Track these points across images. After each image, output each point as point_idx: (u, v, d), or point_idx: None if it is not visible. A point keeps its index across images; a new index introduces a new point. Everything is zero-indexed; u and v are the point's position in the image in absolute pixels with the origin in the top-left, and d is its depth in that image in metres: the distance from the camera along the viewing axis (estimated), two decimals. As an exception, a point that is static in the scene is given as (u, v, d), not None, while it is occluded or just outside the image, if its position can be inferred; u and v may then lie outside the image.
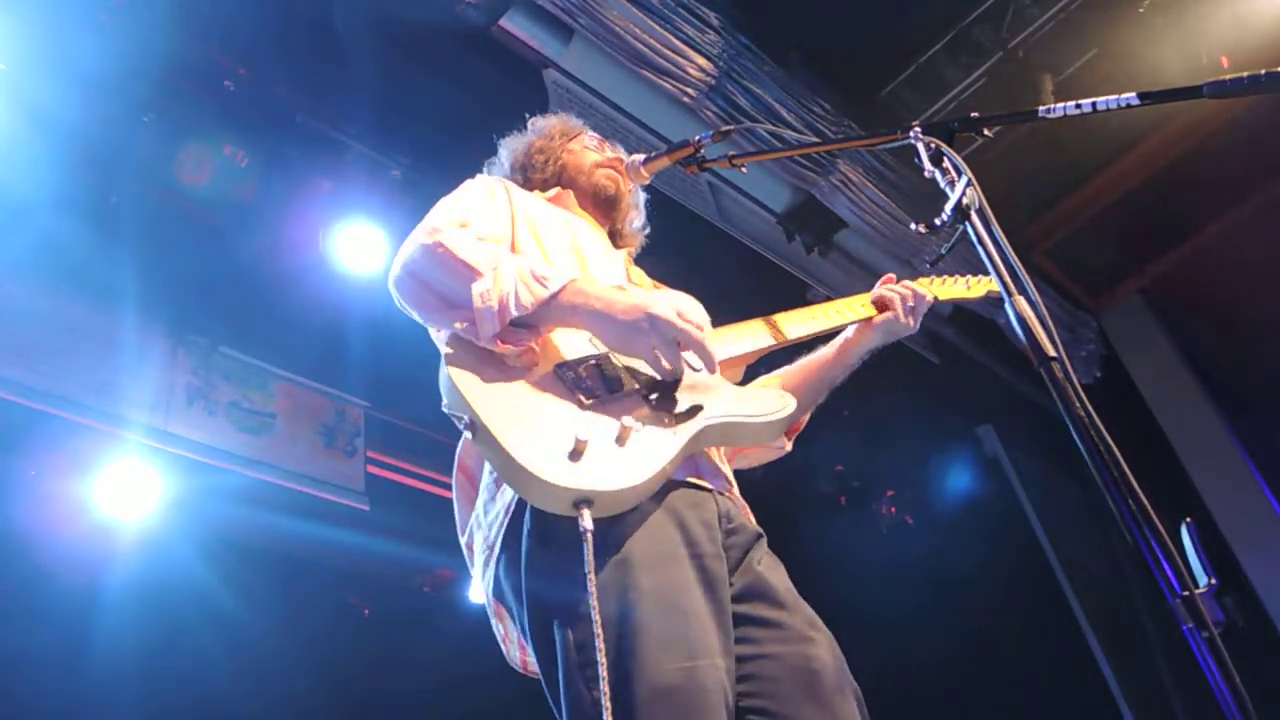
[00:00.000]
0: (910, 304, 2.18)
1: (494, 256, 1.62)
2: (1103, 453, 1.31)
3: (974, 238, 1.57)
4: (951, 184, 1.63)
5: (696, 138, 2.14)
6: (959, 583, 6.82)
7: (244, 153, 4.05)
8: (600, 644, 1.36)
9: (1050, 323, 1.45)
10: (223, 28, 3.84)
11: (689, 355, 1.64)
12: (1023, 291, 1.48)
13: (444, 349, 1.60)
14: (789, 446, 2.16)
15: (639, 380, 1.65)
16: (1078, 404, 1.35)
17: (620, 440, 1.51)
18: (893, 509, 7.43)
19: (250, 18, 3.79)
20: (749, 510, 1.86)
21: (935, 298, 2.30)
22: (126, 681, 3.96)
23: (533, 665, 1.67)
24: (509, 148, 2.34)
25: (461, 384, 1.52)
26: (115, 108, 3.81)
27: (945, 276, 2.45)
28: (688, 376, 1.68)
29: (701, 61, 4.39)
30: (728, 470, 1.85)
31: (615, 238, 2.28)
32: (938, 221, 1.61)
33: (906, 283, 2.24)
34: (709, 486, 1.71)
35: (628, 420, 1.53)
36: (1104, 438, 1.32)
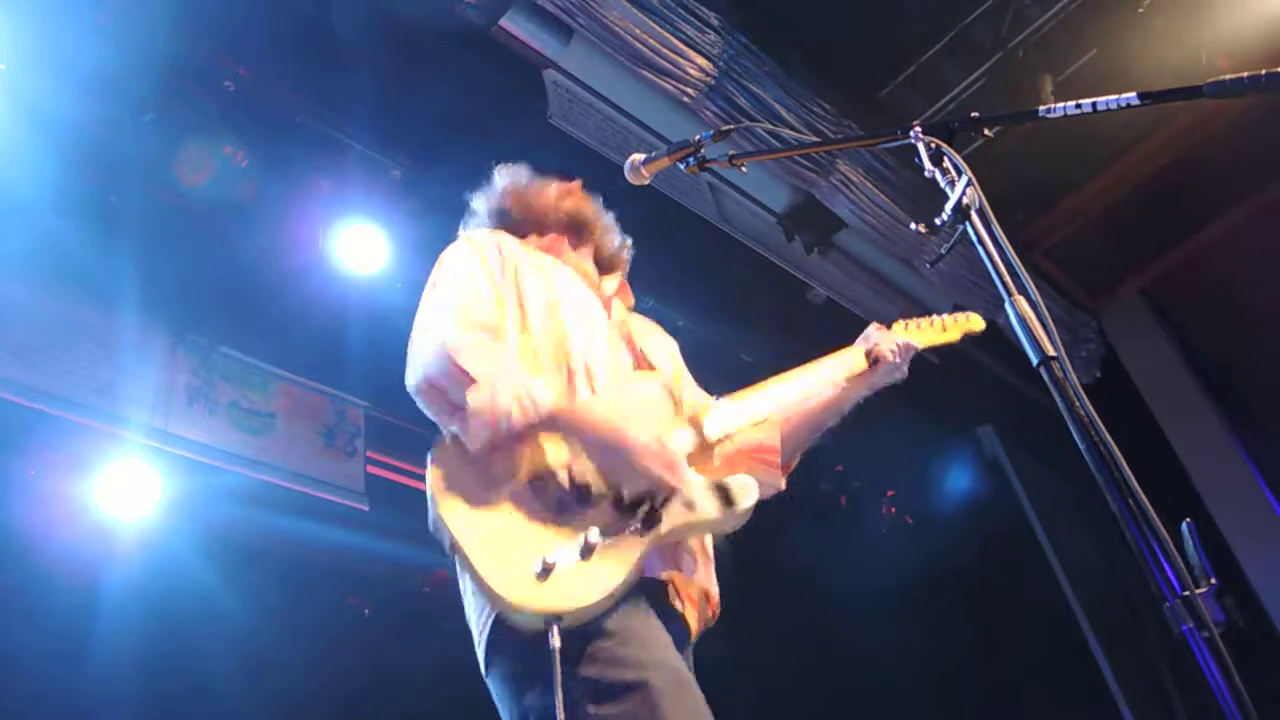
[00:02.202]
0: (903, 356, 2.32)
1: (494, 368, 1.72)
2: (1103, 453, 1.31)
3: (974, 237, 1.57)
4: (952, 184, 1.63)
5: (696, 138, 2.13)
6: (959, 583, 6.82)
7: (244, 153, 4.04)
8: None
9: (1050, 322, 1.45)
10: (223, 28, 3.84)
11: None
12: (1023, 291, 1.48)
13: (430, 466, 1.73)
14: (783, 485, 2.24)
15: (607, 492, 1.74)
16: (1078, 404, 1.35)
17: (586, 554, 1.62)
18: (893, 509, 7.43)
19: (250, 18, 3.79)
20: (712, 590, 1.94)
21: (918, 346, 2.40)
22: (126, 681, 3.96)
23: None
24: (484, 199, 2.42)
25: (443, 508, 1.67)
26: (115, 108, 3.81)
27: (919, 320, 2.53)
28: (643, 493, 1.78)
29: (701, 61, 4.39)
30: (701, 553, 1.94)
31: (601, 265, 2.37)
32: (938, 221, 1.61)
33: (893, 335, 2.34)
34: (664, 581, 1.82)
35: (594, 534, 1.64)
36: (1104, 438, 1.32)
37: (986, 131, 1.78)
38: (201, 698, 4.24)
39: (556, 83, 4.44)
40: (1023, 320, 1.46)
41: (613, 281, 2.34)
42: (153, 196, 4.10)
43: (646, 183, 2.28)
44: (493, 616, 1.73)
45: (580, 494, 1.71)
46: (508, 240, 2.12)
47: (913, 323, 2.49)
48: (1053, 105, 1.67)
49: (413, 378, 1.79)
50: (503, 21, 4.13)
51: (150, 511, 4.27)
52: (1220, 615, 1.22)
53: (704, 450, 1.94)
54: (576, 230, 2.32)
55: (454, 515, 1.65)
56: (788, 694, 6.19)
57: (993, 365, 6.76)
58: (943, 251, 1.74)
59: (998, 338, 6.08)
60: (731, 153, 2.13)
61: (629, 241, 2.45)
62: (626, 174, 2.25)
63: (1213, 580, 1.24)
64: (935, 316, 2.57)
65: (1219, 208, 6.53)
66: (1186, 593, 1.23)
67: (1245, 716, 1.17)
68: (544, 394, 1.72)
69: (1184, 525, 1.30)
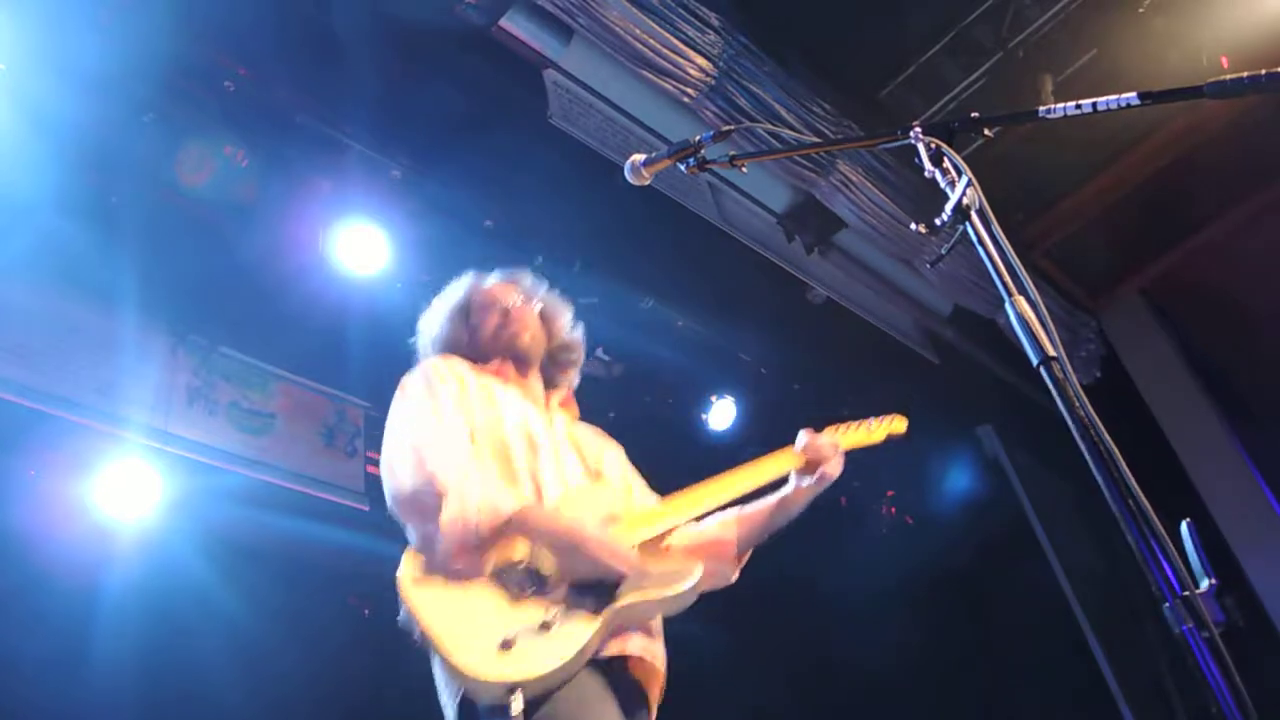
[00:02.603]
0: (837, 456, 2.41)
1: (459, 482, 1.95)
2: (1103, 453, 1.31)
3: (974, 238, 1.57)
4: (952, 184, 1.63)
5: (697, 138, 2.13)
6: (959, 583, 6.82)
7: (244, 153, 4.04)
8: None
9: (1050, 322, 1.45)
10: (223, 28, 3.84)
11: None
12: (1023, 291, 1.48)
13: (402, 569, 1.94)
14: (734, 578, 2.39)
15: (562, 578, 1.95)
16: (1078, 404, 1.35)
17: (544, 629, 1.84)
18: (893, 509, 7.43)
19: (250, 18, 3.79)
20: (660, 667, 2.09)
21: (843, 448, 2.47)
22: (126, 682, 3.96)
23: None
24: (432, 326, 2.64)
25: (413, 601, 1.88)
26: (115, 108, 3.81)
27: (847, 424, 2.62)
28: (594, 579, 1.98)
29: (701, 62, 4.39)
30: (646, 633, 2.08)
31: (547, 382, 2.55)
32: (938, 221, 1.61)
33: (823, 439, 2.42)
34: (614, 657, 1.98)
35: (551, 613, 1.87)
36: (1104, 438, 1.32)
37: (986, 132, 1.78)
38: (201, 698, 4.24)
39: (556, 83, 4.44)
40: (1023, 320, 1.46)
41: (559, 395, 2.54)
42: (153, 197, 4.10)
43: (647, 183, 2.28)
44: (459, 696, 1.90)
45: (539, 581, 1.93)
46: (458, 367, 2.34)
47: (842, 427, 2.60)
48: (1053, 105, 1.67)
49: (392, 496, 2.03)
50: (503, 21, 4.13)
51: (150, 511, 4.26)
52: (1220, 615, 1.22)
53: (655, 543, 2.16)
54: (517, 360, 2.48)
55: (422, 607, 1.87)
56: (788, 694, 6.19)
57: (993, 365, 6.77)
58: (943, 252, 1.73)
59: (998, 338, 6.13)
60: (732, 153, 2.12)
61: (578, 343, 2.63)
62: (627, 174, 2.25)
63: (1213, 580, 1.24)
64: (862, 421, 2.69)
65: (1219, 208, 6.53)
66: (1186, 593, 1.23)
67: (1245, 716, 1.17)
68: (506, 502, 1.96)
69: (1184, 525, 1.30)
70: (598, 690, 1.90)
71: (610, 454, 2.48)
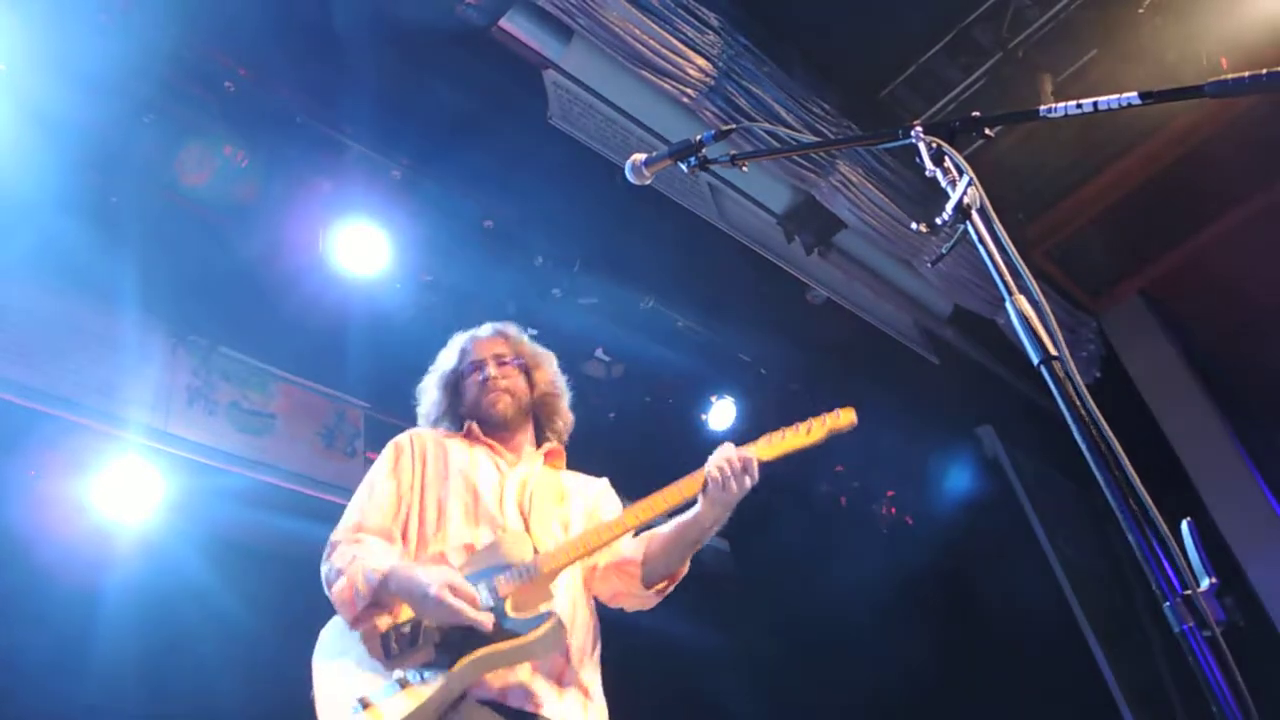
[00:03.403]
0: (732, 473, 2.26)
1: (351, 555, 2.22)
2: (1103, 452, 1.31)
3: (975, 237, 1.57)
4: (953, 184, 1.63)
5: (697, 138, 2.13)
6: (959, 583, 6.83)
7: (244, 153, 4.04)
8: None
9: (1052, 322, 1.45)
10: (223, 28, 3.84)
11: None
12: (1024, 291, 1.48)
13: (317, 642, 2.22)
14: (650, 600, 2.43)
15: (437, 631, 2.11)
16: (1079, 403, 1.35)
17: (403, 685, 2.04)
18: (893, 509, 7.43)
19: (250, 18, 3.79)
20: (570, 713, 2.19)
21: (760, 459, 2.32)
22: (127, 682, 3.95)
23: None
24: (423, 395, 2.81)
25: (313, 667, 2.18)
26: (116, 108, 3.81)
27: (785, 429, 2.43)
28: (449, 628, 2.12)
29: (701, 62, 4.39)
30: (543, 688, 2.16)
31: (538, 428, 2.68)
32: (939, 221, 1.61)
33: (737, 451, 2.30)
34: (511, 706, 2.11)
35: (410, 671, 2.06)
36: (1105, 437, 1.32)
37: (987, 131, 1.77)
38: (201, 698, 4.24)
39: (556, 83, 4.44)
40: (1024, 320, 1.45)
41: (548, 446, 2.65)
42: (153, 197, 4.10)
43: (648, 183, 2.28)
44: None
45: (412, 639, 2.11)
46: (419, 436, 2.55)
47: (776, 434, 2.41)
48: (1053, 105, 1.67)
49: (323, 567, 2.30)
50: (503, 22, 4.14)
51: (150, 512, 4.26)
52: (1220, 615, 1.22)
53: (544, 580, 2.21)
54: (494, 424, 2.60)
55: (315, 670, 2.17)
56: (787, 694, 6.19)
57: (993, 365, 6.77)
58: (943, 251, 1.73)
59: (998, 338, 6.13)
60: (732, 153, 2.12)
61: (562, 390, 2.73)
62: (628, 174, 2.25)
63: (1213, 580, 1.24)
64: (802, 423, 2.46)
65: (1220, 208, 6.53)
66: (1186, 592, 1.23)
67: (1245, 716, 1.17)
68: (378, 563, 2.16)
69: (1184, 525, 1.30)
70: None
71: (570, 500, 2.53)
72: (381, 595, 2.14)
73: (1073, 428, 1.34)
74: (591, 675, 2.30)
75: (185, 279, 4.47)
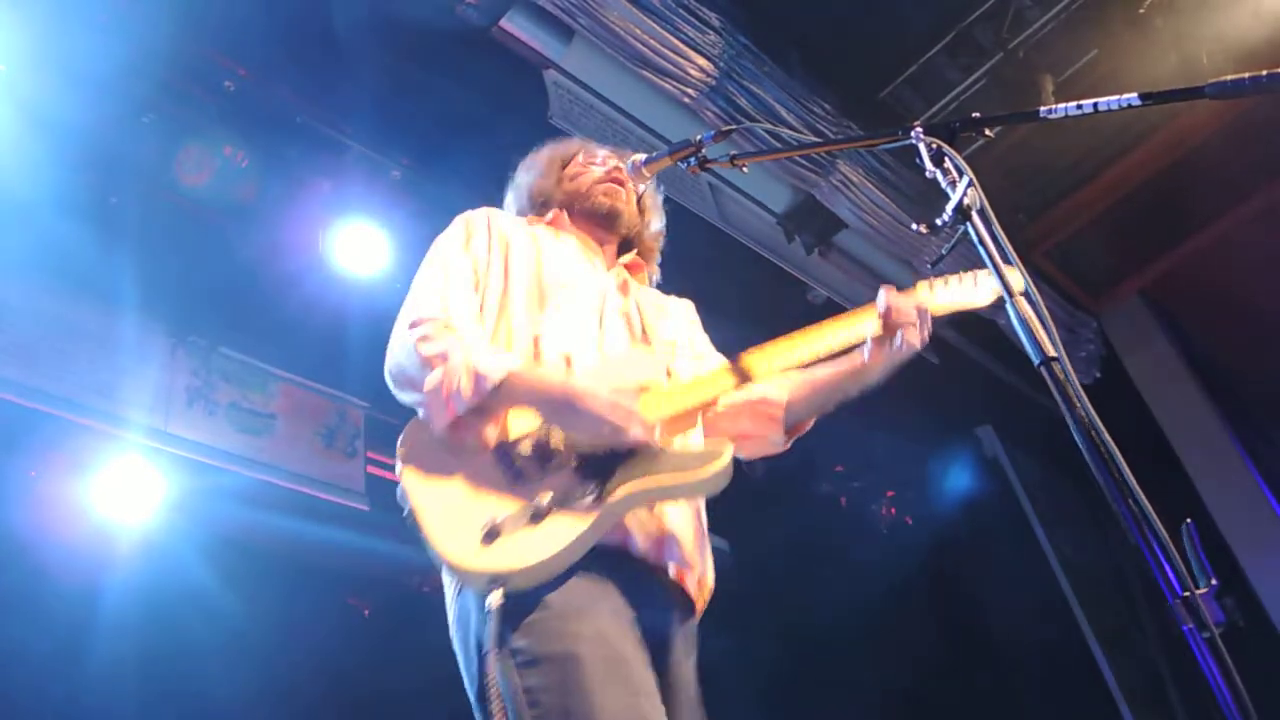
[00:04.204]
0: (923, 323, 2.07)
1: (447, 348, 1.77)
2: (1103, 453, 1.31)
3: (975, 238, 1.57)
4: (952, 184, 1.63)
5: (697, 138, 2.13)
6: (958, 583, 6.83)
7: (244, 153, 4.04)
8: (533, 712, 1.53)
9: (1051, 322, 1.45)
10: (223, 28, 3.83)
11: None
12: (1023, 291, 1.48)
13: (400, 440, 1.78)
14: (783, 444, 2.18)
15: (574, 452, 1.74)
16: (1078, 404, 1.35)
17: (536, 519, 1.65)
18: (893, 509, 7.43)
19: (250, 18, 3.79)
20: (700, 567, 1.88)
21: (937, 312, 2.15)
22: (127, 682, 3.95)
23: None
24: (513, 192, 2.42)
25: (406, 479, 1.73)
26: (115, 108, 3.81)
27: (942, 278, 2.26)
28: (605, 450, 1.76)
29: (702, 62, 4.39)
30: (682, 531, 1.85)
31: (632, 243, 2.34)
32: (939, 222, 1.61)
33: (904, 299, 2.09)
34: (637, 556, 1.76)
35: (545, 500, 1.66)
36: (1104, 438, 1.32)
37: (987, 132, 1.77)
38: (201, 698, 4.24)
39: (557, 83, 4.43)
40: (1023, 320, 1.46)
41: (627, 256, 2.30)
42: (153, 197, 4.10)
43: (647, 182, 2.28)
44: (458, 585, 1.76)
45: (541, 459, 1.73)
46: (499, 216, 2.15)
47: (936, 282, 2.21)
48: (1053, 106, 1.67)
49: (386, 364, 1.86)
50: (503, 22, 4.13)
51: (150, 512, 4.26)
52: (1220, 615, 1.22)
53: (687, 418, 1.90)
54: (601, 222, 2.28)
55: (414, 484, 1.71)
56: (786, 694, 6.19)
57: (993, 365, 6.77)
58: (943, 252, 1.73)
59: (998, 338, 6.13)
60: (732, 153, 2.12)
61: (661, 237, 2.44)
62: (627, 174, 2.26)
63: (1213, 580, 1.24)
64: (963, 274, 2.24)
65: (1219, 208, 6.53)
66: (1187, 593, 1.23)
67: (1245, 716, 1.17)
68: (494, 365, 1.73)
69: (1184, 525, 1.30)
70: (593, 591, 1.66)
71: (671, 319, 2.23)
72: (492, 400, 1.73)
73: (1072, 429, 1.34)
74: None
75: (185, 279, 4.47)
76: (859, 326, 2.06)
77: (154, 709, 4.07)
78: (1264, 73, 1.49)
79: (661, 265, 2.45)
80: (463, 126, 4.32)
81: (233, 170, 4.03)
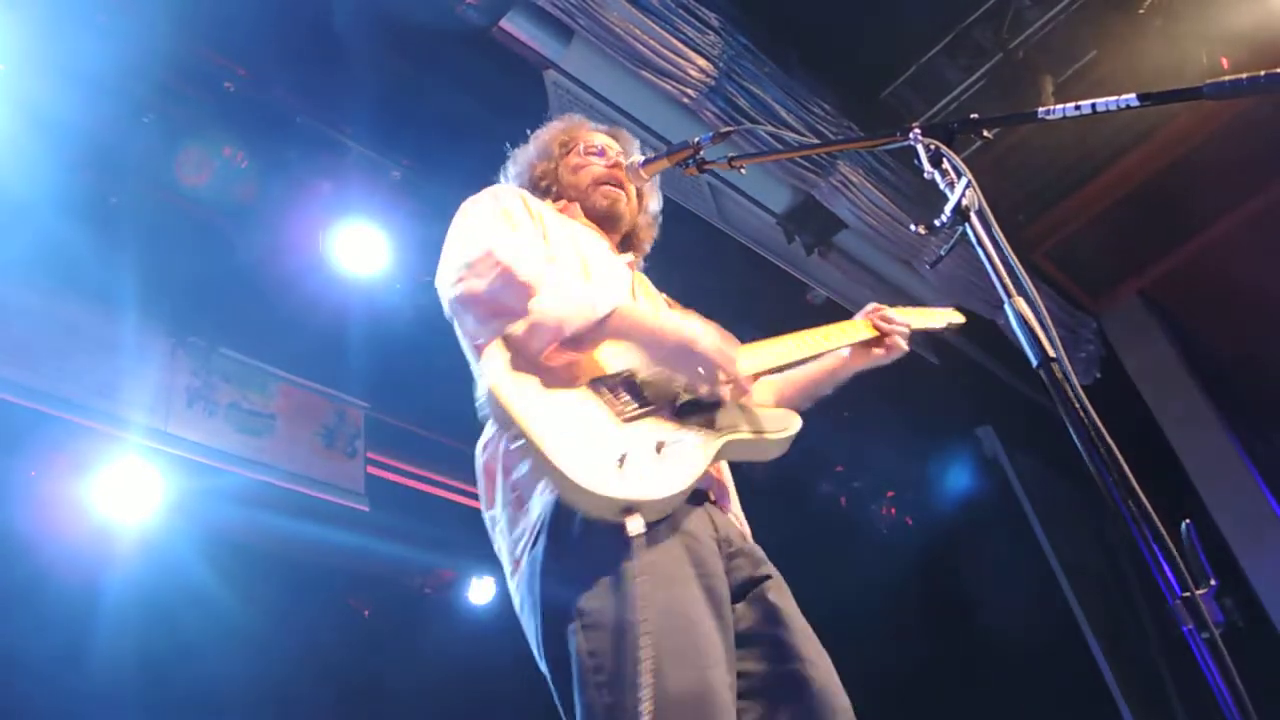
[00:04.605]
0: (901, 335, 2.30)
1: (550, 275, 1.73)
2: (1103, 453, 1.31)
3: (973, 239, 1.57)
4: (951, 185, 1.64)
5: (696, 139, 2.13)
6: (958, 583, 6.82)
7: (244, 154, 4.04)
8: (643, 652, 1.44)
9: (1050, 323, 1.45)
10: (223, 28, 3.84)
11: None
12: (1022, 292, 1.48)
13: (486, 365, 1.67)
14: None
15: (666, 396, 1.75)
16: (1077, 405, 1.35)
17: (658, 450, 1.62)
18: (892, 509, 7.43)
19: (250, 18, 3.79)
20: (746, 525, 1.92)
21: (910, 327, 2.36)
22: (127, 682, 3.96)
23: None
24: (514, 168, 2.38)
25: (508, 399, 1.60)
26: (115, 108, 3.81)
27: (902, 308, 2.45)
28: (705, 395, 1.78)
29: (701, 62, 4.39)
30: (730, 485, 1.92)
31: (628, 239, 2.33)
32: (937, 223, 1.62)
33: (894, 311, 2.33)
34: (714, 500, 1.80)
35: (663, 432, 1.65)
36: (1104, 438, 1.33)
37: (986, 133, 1.78)
38: (201, 698, 4.24)
39: (557, 84, 4.44)
40: (1023, 321, 1.46)
41: (627, 256, 2.30)
42: (153, 197, 4.10)
43: (646, 183, 2.28)
44: (551, 506, 1.65)
45: (636, 396, 1.71)
46: (530, 196, 2.13)
47: (901, 309, 2.45)
48: (1052, 107, 1.67)
49: (455, 282, 1.77)
50: (503, 22, 4.14)
51: (150, 512, 4.26)
52: (1220, 616, 1.22)
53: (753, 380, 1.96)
54: (602, 223, 2.27)
55: (520, 402, 1.60)
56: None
57: (992, 365, 6.77)
58: (942, 253, 1.74)
59: (998, 338, 6.13)
60: (731, 154, 2.12)
61: (655, 225, 2.44)
62: (628, 176, 2.26)
63: (1212, 581, 1.24)
64: (917, 307, 2.57)
65: (1219, 208, 6.53)
66: (1186, 593, 1.23)
67: (1245, 716, 1.17)
68: (603, 295, 1.73)
69: (1184, 525, 1.30)
70: (678, 548, 1.64)
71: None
72: (597, 331, 1.70)
73: (1072, 430, 1.34)
74: None
75: (185, 280, 4.47)
76: (847, 334, 2.23)
77: (154, 709, 4.07)
78: (1263, 73, 1.49)
79: (650, 256, 2.44)
80: (463, 127, 4.32)
81: (233, 171, 4.03)
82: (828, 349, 2.18)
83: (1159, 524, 1.26)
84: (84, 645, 3.94)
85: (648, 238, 2.39)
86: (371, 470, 5.20)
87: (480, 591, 5.53)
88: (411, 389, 5.06)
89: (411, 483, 5.48)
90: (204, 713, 4.29)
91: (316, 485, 4.90)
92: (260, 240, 4.34)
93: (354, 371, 5.02)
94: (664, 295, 2.30)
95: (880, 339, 2.27)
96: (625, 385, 1.72)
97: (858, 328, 2.28)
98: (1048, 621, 6.62)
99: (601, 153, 2.31)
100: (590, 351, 1.73)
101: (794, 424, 1.87)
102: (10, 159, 3.61)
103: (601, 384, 1.70)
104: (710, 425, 1.74)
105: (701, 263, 5.23)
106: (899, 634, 6.30)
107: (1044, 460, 7.30)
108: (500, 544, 1.80)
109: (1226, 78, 1.52)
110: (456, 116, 4.29)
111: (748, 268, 5.39)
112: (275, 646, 4.51)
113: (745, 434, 1.79)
